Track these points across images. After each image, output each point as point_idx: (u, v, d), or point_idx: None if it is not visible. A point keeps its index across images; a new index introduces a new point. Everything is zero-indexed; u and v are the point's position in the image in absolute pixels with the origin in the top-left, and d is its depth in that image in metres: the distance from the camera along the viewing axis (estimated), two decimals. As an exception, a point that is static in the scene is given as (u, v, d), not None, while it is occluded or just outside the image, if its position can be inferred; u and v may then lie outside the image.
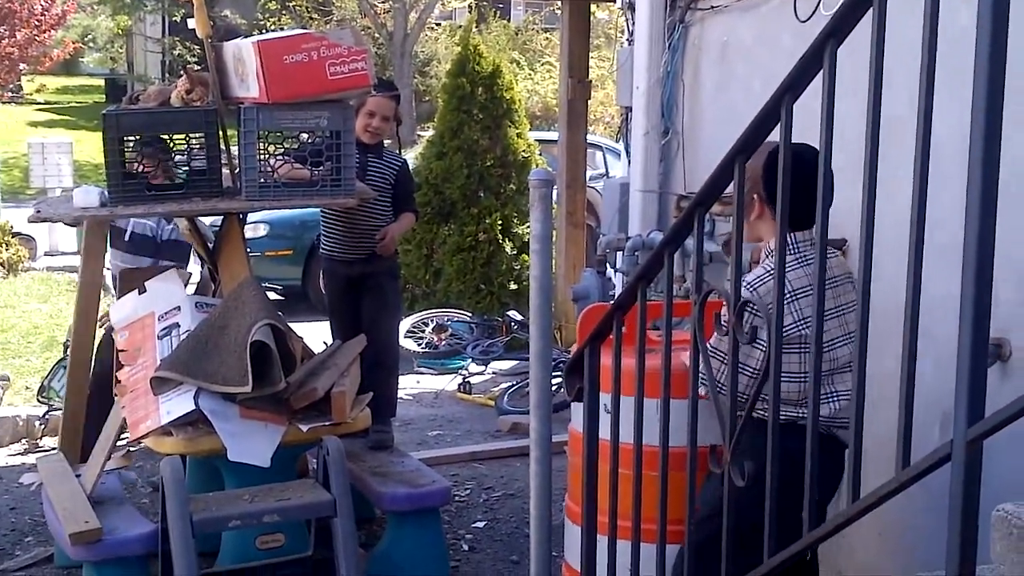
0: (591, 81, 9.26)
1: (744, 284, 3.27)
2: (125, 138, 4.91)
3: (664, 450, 2.87)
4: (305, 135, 5.06)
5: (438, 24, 29.65)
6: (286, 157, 5.02)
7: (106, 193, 4.94)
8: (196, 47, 29.16)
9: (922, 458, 1.97)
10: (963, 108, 1.93)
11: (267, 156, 4.93)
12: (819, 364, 2.27)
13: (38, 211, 5.05)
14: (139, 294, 5.13)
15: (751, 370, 3.26)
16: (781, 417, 2.51)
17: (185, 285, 5.28)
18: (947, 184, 2.83)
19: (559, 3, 21.15)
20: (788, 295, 3.27)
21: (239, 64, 4.94)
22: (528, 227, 10.29)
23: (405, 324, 9.42)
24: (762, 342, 3.01)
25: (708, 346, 3.23)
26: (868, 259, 2.13)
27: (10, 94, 19.16)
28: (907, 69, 2.23)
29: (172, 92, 5.13)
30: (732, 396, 2.59)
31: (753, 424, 2.56)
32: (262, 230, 11.52)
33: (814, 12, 4.48)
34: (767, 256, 3.41)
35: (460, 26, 28.87)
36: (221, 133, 5.08)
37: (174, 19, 30.88)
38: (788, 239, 3.32)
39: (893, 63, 2.14)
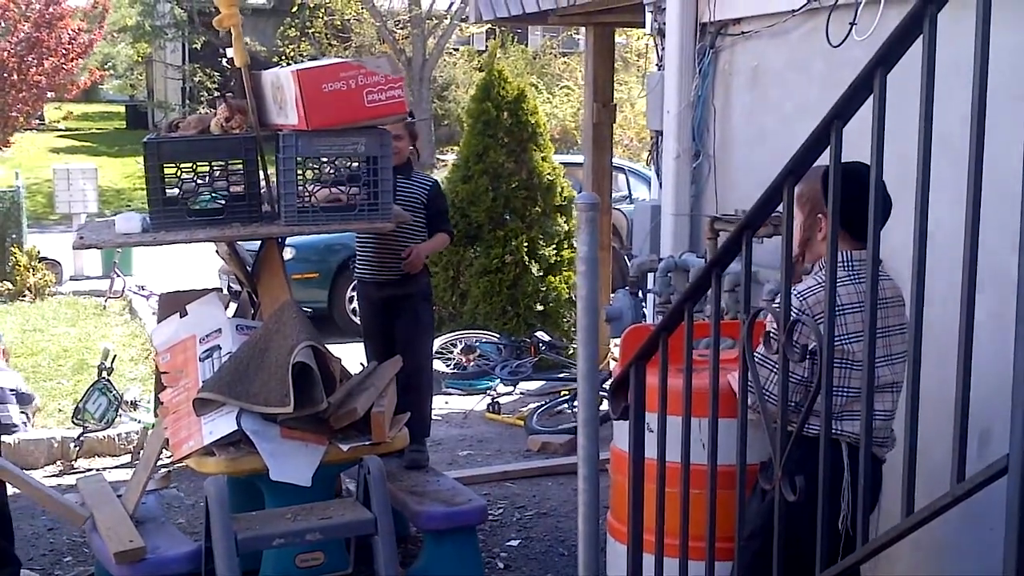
0: (616, 105, 9.32)
1: (794, 293, 3.33)
2: (165, 165, 5.01)
3: (712, 468, 2.93)
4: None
5: (456, 50, 29.83)
6: (323, 184, 5.12)
7: (148, 219, 5.04)
8: (216, 74, 29.42)
9: (977, 472, 2.02)
10: (1002, 133, 2.01)
11: (305, 182, 5.02)
12: (872, 381, 2.34)
13: (81, 237, 5.14)
14: (181, 317, 5.22)
15: (797, 377, 3.31)
16: (815, 430, 2.58)
17: (225, 308, 5.36)
18: (985, 205, 2.89)
19: (576, 28, 21.12)
20: (836, 308, 3.32)
21: (277, 92, 5.03)
22: (553, 249, 10.41)
23: (434, 345, 9.48)
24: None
25: (756, 355, 3.30)
26: (920, 279, 2.19)
27: (37, 121, 19.30)
28: (947, 92, 2.30)
29: (212, 120, 5.23)
30: (782, 413, 2.65)
31: (792, 439, 2.62)
32: (288, 253, 11.55)
33: (846, 37, 4.55)
34: (820, 270, 3.46)
35: (479, 51, 29.04)
36: (260, 160, 5.17)
37: (194, 46, 31.10)
38: (843, 256, 3.38)
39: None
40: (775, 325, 2.79)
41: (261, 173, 5.22)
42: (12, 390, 7.86)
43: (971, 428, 3.55)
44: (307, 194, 5.03)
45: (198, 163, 5.07)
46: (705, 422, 3.00)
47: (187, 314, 5.22)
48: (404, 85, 5.01)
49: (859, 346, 3.32)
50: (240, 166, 5.05)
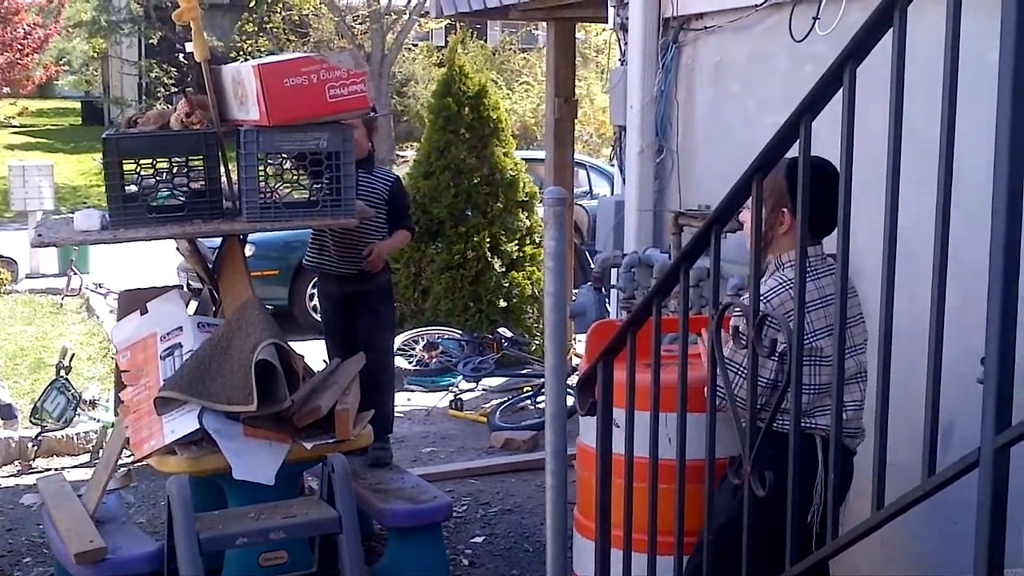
0: (577, 100, 9.32)
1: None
2: (124, 161, 4.95)
3: (681, 463, 2.92)
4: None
5: (415, 45, 29.74)
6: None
7: (107, 216, 4.97)
8: (173, 69, 29.17)
9: (949, 465, 2.03)
10: (964, 126, 2.03)
11: (267, 177, 4.98)
12: (842, 373, 2.34)
13: (39, 235, 5.06)
14: (141, 315, 5.16)
15: (764, 380, 3.31)
16: (787, 427, 2.58)
17: (186, 306, 5.31)
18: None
19: (535, 24, 21.09)
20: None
21: (238, 87, 4.98)
22: (515, 245, 10.39)
23: (395, 342, 9.45)
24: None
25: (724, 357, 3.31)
26: (891, 274, 2.19)
27: (-9, 118, 19.15)
28: (908, 83, 2.30)
29: (171, 116, 5.17)
30: (751, 408, 2.65)
31: (761, 436, 2.63)
32: (248, 251, 11.46)
33: (809, 32, 4.56)
34: (778, 268, 3.47)
35: (438, 47, 28.97)
36: (221, 155, 5.12)
37: (151, 42, 30.82)
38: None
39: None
40: (743, 321, 2.79)
41: (222, 169, 5.17)
42: None
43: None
44: (269, 190, 4.99)
45: (158, 159, 5.02)
46: (673, 417, 3.00)
47: (147, 312, 5.16)
48: (367, 80, 4.98)
49: (826, 342, 3.33)
50: (201, 162, 5.00)
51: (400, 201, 6.17)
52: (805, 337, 3.33)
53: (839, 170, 2.31)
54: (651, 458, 3.02)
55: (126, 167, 4.94)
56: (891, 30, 2.14)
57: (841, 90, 2.27)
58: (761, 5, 4.98)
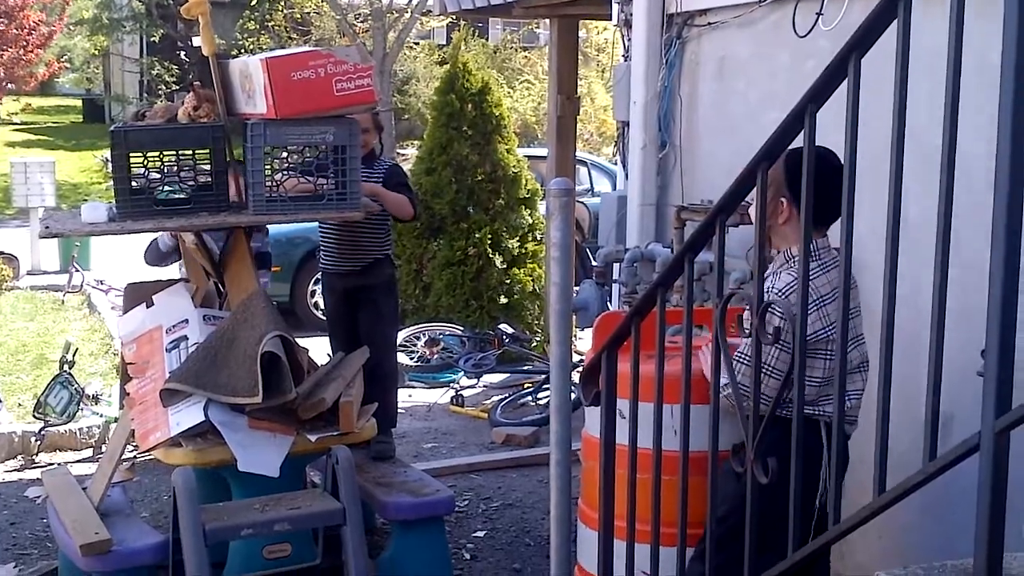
0: (579, 97, 9.35)
1: (775, 291, 3.34)
2: (132, 154, 4.97)
3: (684, 454, 2.95)
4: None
5: (416, 43, 29.74)
6: (292, 173, 5.10)
7: (114, 208, 5.00)
8: (174, 67, 29.19)
9: (950, 449, 2.06)
10: (966, 122, 2.06)
11: (274, 170, 5.01)
12: (844, 363, 2.37)
13: (47, 227, 5.09)
14: (147, 307, 5.19)
15: (779, 372, 3.33)
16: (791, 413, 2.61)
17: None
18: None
19: (537, 22, 21.08)
20: (816, 301, 3.35)
21: (246, 80, 5.01)
22: (517, 241, 10.41)
23: (397, 337, 9.47)
24: (787, 344, 3.11)
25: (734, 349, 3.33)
26: (893, 267, 2.22)
27: (-6, 115, 19.18)
28: (917, 83, 2.32)
29: (179, 109, 5.20)
30: (755, 396, 2.68)
31: (765, 422, 2.65)
32: (249, 247, 11.53)
33: (812, 28, 4.59)
34: (787, 262, 3.48)
35: (440, 46, 28.97)
36: (228, 149, 5.14)
37: (152, 39, 30.83)
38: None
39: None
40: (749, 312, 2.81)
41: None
42: None
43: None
44: (275, 183, 5.01)
45: (165, 152, 5.04)
46: (677, 408, 3.02)
47: (153, 304, 5.19)
48: (373, 74, 5.00)
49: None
50: (207, 155, 5.03)
51: (396, 180, 6.05)
52: (823, 329, 3.38)
53: (843, 162, 2.34)
54: (655, 449, 3.05)
55: (133, 160, 4.96)
56: (895, 22, 2.17)
57: (845, 81, 2.30)
58: (764, 1, 5.01)
